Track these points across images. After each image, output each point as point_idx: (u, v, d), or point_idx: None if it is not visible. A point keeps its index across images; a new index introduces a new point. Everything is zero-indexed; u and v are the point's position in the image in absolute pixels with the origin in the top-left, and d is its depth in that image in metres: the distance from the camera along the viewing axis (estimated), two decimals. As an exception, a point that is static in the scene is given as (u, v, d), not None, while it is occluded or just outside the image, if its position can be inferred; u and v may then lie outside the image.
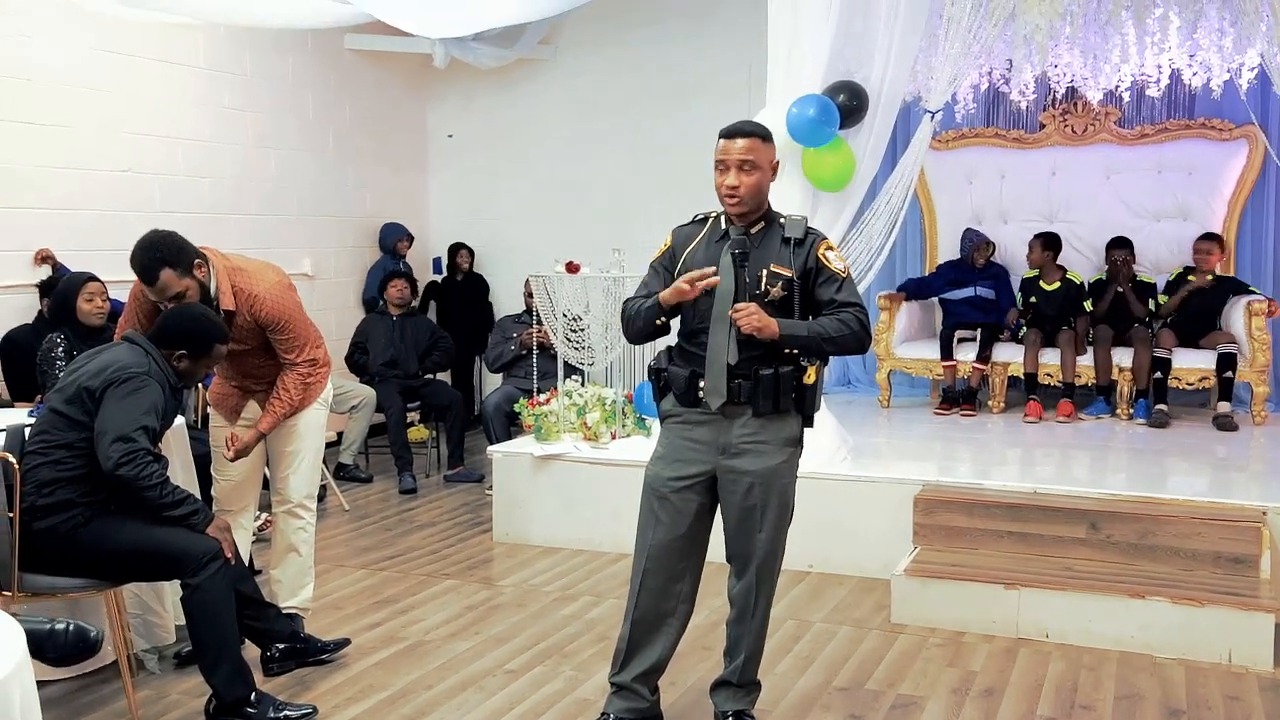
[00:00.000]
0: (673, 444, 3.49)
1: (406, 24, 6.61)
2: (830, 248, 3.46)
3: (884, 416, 7.30)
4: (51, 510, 3.54)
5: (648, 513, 3.51)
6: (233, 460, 4.22)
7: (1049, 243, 7.36)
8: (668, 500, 3.45)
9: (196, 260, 3.95)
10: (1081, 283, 7.34)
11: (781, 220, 3.46)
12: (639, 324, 3.46)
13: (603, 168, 8.89)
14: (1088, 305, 7.25)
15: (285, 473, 4.36)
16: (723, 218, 3.47)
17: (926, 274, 7.89)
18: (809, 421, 3.51)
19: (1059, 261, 7.39)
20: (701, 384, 3.39)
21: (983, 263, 7.50)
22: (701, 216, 3.55)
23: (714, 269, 3.32)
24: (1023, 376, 7.11)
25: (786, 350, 3.36)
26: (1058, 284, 7.32)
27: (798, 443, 3.49)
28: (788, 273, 3.37)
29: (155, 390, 3.63)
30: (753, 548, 3.46)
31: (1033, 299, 7.40)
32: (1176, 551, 4.69)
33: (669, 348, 3.56)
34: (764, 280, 3.37)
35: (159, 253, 3.88)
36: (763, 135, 3.38)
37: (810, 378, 3.41)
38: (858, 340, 3.37)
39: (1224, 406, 6.66)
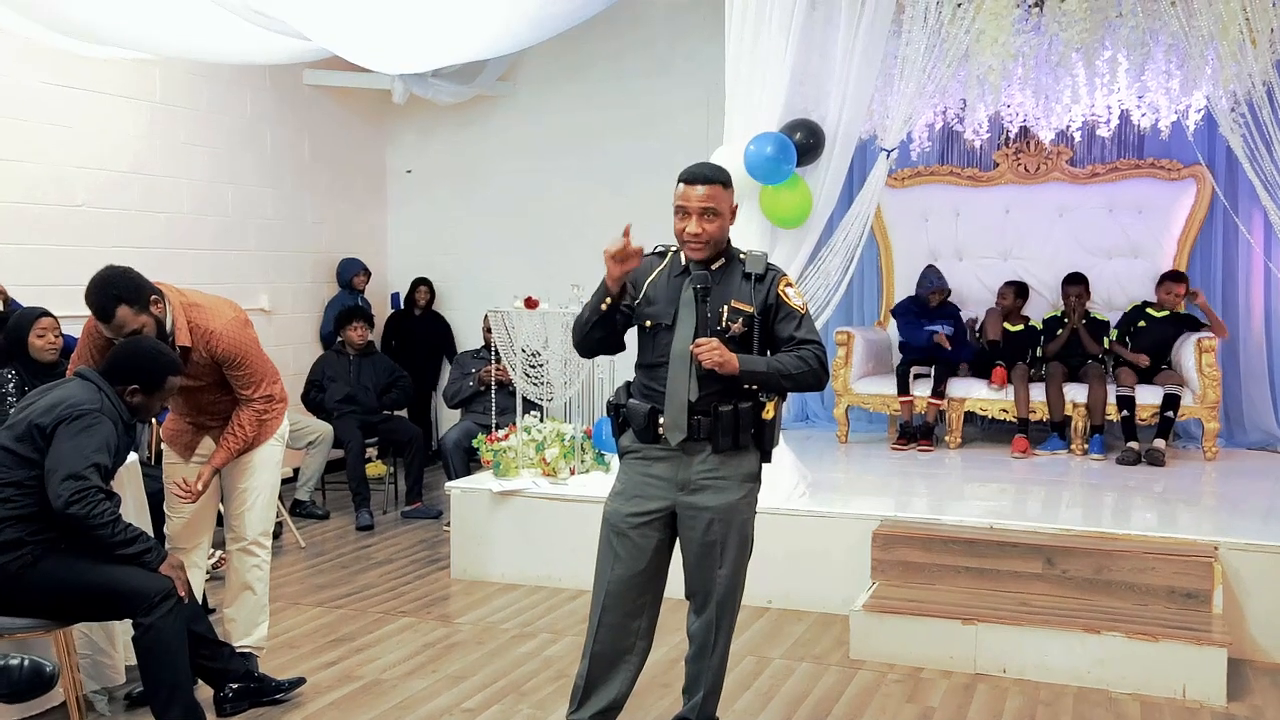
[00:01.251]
0: (632, 480, 3.49)
1: (365, 60, 6.62)
2: (790, 284, 3.48)
3: (842, 452, 7.33)
4: (0, 549, 3.48)
5: (606, 549, 3.50)
6: (192, 503, 4.17)
7: (1013, 290, 7.49)
8: (626, 536, 3.45)
9: (153, 296, 3.92)
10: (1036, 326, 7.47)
11: (742, 256, 3.48)
12: (584, 314, 3.44)
13: (562, 204, 8.92)
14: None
15: (240, 509, 4.31)
16: (682, 254, 3.47)
17: (899, 315, 7.74)
18: (767, 457, 3.52)
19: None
20: (661, 420, 3.39)
21: (936, 304, 7.56)
22: (662, 249, 3.55)
23: (627, 238, 3.29)
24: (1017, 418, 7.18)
25: (745, 386, 3.37)
26: (1021, 326, 7.44)
27: (756, 478, 3.51)
28: (749, 308, 3.39)
29: (107, 427, 3.59)
30: (713, 584, 3.46)
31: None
32: (1131, 586, 4.73)
33: (627, 383, 3.56)
34: (725, 316, 3.37)
35: (115, 289, 3.85)
36: (723, 181, 3.39)
37: (769, 413, 3.43)
38: (816, 377, 3.39)
39: (1159, 443, 6.74)
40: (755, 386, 3.39)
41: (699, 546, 3.44)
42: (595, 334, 3.46)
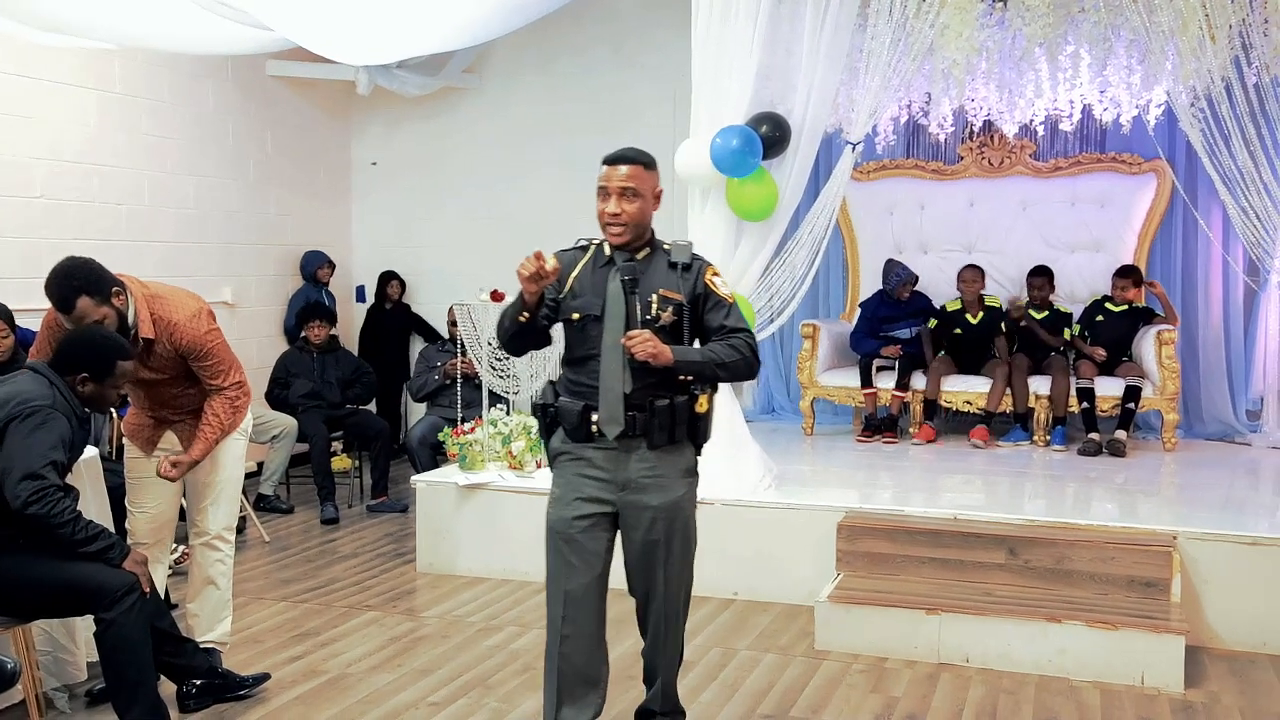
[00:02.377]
0: (569, 482, 3.38)
1: (329, 51, 6.57)
2: (717, 273, 3.42)
3: (808, 444, 7.36)
4: None
5: (558, 558, 3.39)
6: (174, 480, 4.10)
7: (980, 273, 7.48)
8: (576, 541, 3.35)
9: (115, 288, 3.88)
10: (1000, 307, 7.48)
11: (666, 246, 3.42)
12: (505, 324, 3.38)
13: (528, 196, 8.89)
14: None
15: (204, 504, 4.28)
16: (605, 244, 3.40)
17: (859, 317, 7.79)
18: (699, 451, 3.48)
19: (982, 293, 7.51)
20: (595, 416, 3.30)
21: (907, 296, 7.59)
22: (585, 242, 3.47)
23: (547, 259, 3.23)
24: (922, 403, 7.22)
25: (679, 378, 3.32)
26: (981, 314, 7.45)
27: (695, 473, 3.47)
28: (678, 297, 3.33)
29: (61, 423, 3.53)
30: (657, 582, 3.42)
31: (957, 330, 7.47)
32: (1092, 576, 4.79)
33: (552, 381, 3.47)
34: (655, 305, 3.31)
35: (76, 280, 3.80)
36: (646, 163, 3.34)
37: (702, 406, 3.37)
38: (749, 366, 3.35)
39: (1120, 434, 6.83)
40: (689, 378, 3.33)
41: (642, 545, 3.38)
42: (518, 340, 3.42)
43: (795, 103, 5.70)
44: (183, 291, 4.19)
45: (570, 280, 3.38)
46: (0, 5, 5.52)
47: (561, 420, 3.37)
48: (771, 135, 5.59)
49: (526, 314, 3.30)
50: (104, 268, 3.91)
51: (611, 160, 3.34)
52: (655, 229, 3.44)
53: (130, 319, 3.94)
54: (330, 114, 9.30)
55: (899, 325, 7.53)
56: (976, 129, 7.75)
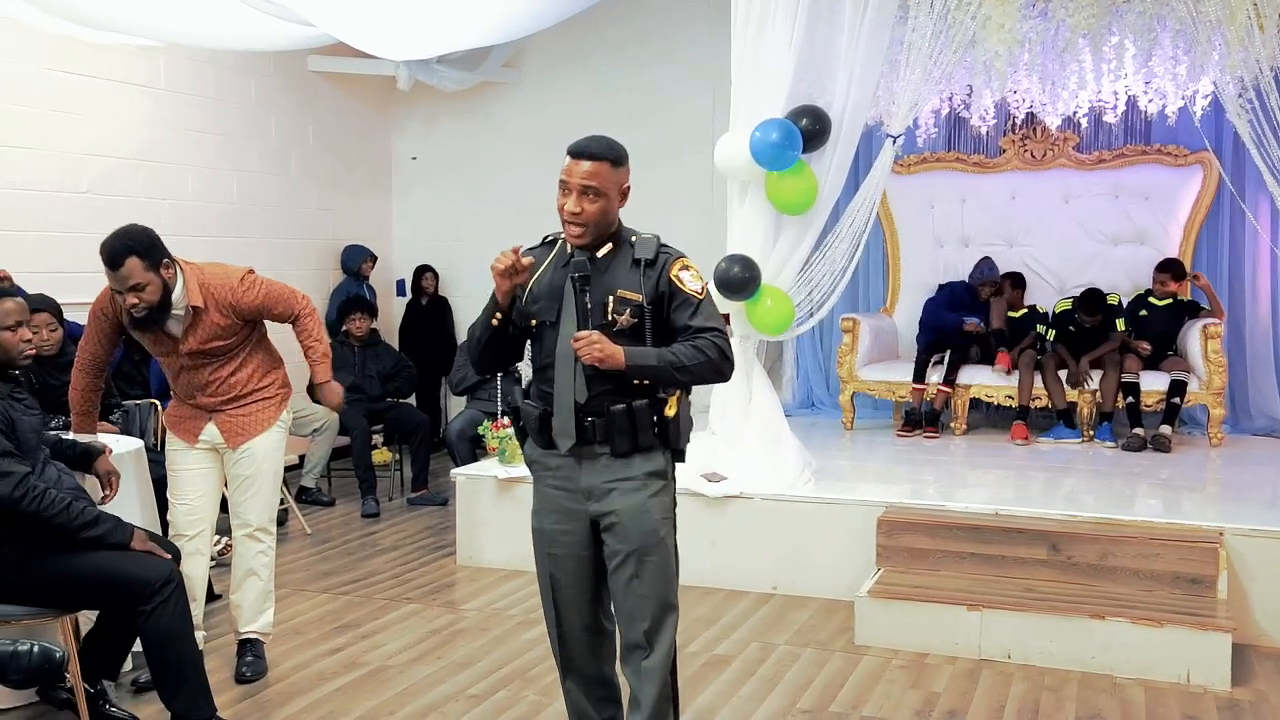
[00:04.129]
0: (544, 494, 3.18)
1: (370, 46, 6.61)
2: (686, 266, 3.09)
3: (847, 438, 7.34)
4: None
5: (545, 578, 3.20)
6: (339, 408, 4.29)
7: (1017, 281, 7.37)
8: (556, 557, 3.16)
9: (165, 260, 3.96)
10: (1118, 302, 7.24)
11: (633, 240, 3.11)
12: (475, 333, 3.17)
13: (567, 191, 8.89)
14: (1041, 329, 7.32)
15: (244, 497, 4.31)
16: (569, 243, 3.12)
17: (926, 310, 7.65)
18: (680, 457, 3.18)
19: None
20: (554, 424, 3.08)
21: (986, 296, 7.51)
22: (551, 238, 3.22)
23: (520, 252, 3.03)
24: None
25: (636, 381, 3.03)
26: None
27: (664, 476, 3.13)
28: (636, 297, 3.03)
29: None
30: (632, 601, 3.08)
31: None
32: (1136, 572, 4.73)
33: (527, 385, 3.29)
34: (610, 307, 3.03)
35: (130, 241, 3.90)
36: (613, 159, 3.03)
37: (671, 410, 3.08)
38: (715, 368, 3.04)
39: (1165, 429, 6.75)
40: (648, 382, 3.04)
41: (616, 556, 3.08)
42: (491, 350, 3.17)
43: (835, 96, 5.66)
44: (223, 266, 4.26)
45: (530, 283, 3.12)
46: (48, 4, 5.60)
47: (526, 427, 3.19)
48: (811, 128, 5.56)
49: (499, 315, 3.08)
50: (161, 241, 4.00)
51: (574, 153, 3.03)
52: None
53: (175, 294, 4.01)
54: (371, 109, 9.36)
55: (970, 315, 7.45)
56: (1018, 121, 7.68)
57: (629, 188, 3.13)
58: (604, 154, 3.03)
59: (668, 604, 3.11)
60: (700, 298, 3.06)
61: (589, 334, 2.94)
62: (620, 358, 2.94)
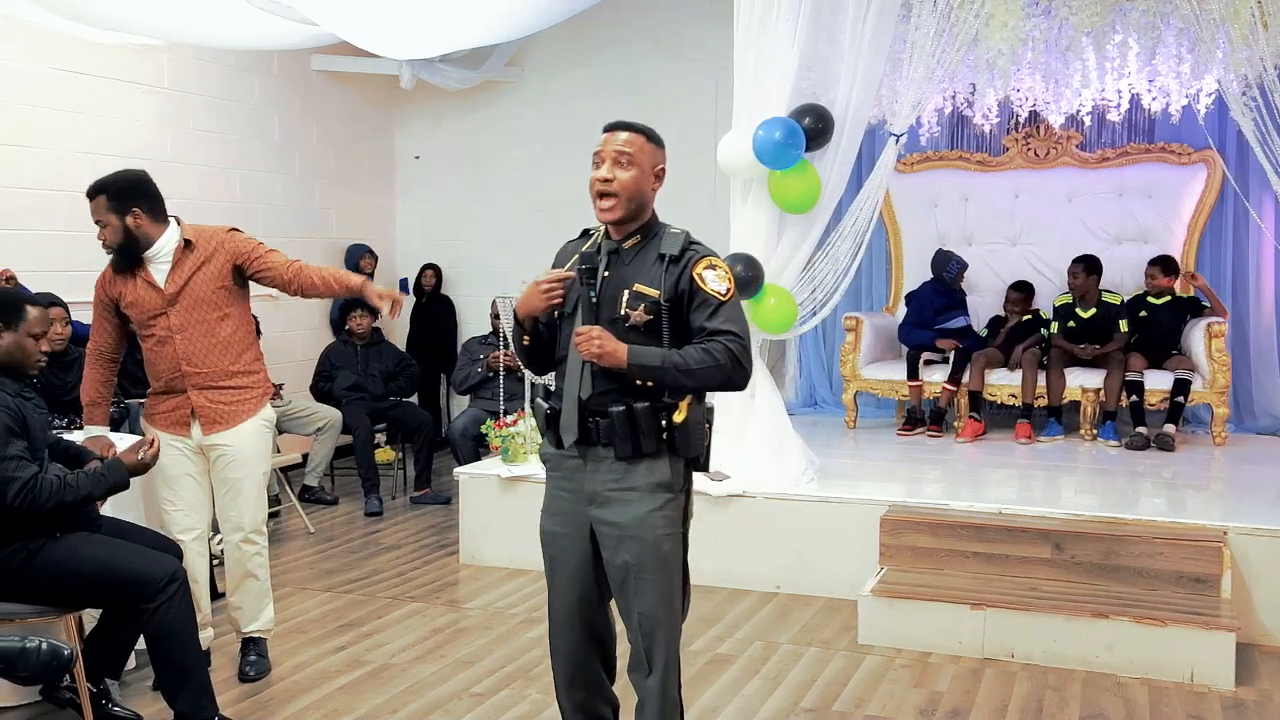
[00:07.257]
0: (552, 494, 3.08)
1: (373, 45, 6.61)
2: (712, 265, 2.92)
3: (850, 437, 7.33)
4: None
5: (547, 570, 3.12)
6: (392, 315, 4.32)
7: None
8: (556, 560, 3.06)
9: (135, 209, 3.99)
10: (1121, 301, 7.19)
11: (663, 235, 2.99)
12: (515, 346, 3.14)
13: (569, 189, 8.83)
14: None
15: (235, 501, 4.21)
16: (605, 230, 3.03)
17: (908, 309, 7.64)
18: (698, 465, 3.03)
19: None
20: (561, 421, 2.98)
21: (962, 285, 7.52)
22: (590, 230, 3.14)
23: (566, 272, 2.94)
24: (967, 396, 7.17)
25: (638, 382, 2.88)
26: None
27: (673, 488, 2.95)
28: (654, 293, 2.89)
29: None
30: (630, 618, 2.97)
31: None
32: (1139, 572, 4.72)
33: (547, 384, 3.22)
34: (624, 302, 2.91)
35: (108, 180, 4.01)
36: (649, 135, 2.98)
37: (681, 414, 2.90)
38: (725, 374, 2.85)
39: (1169, 428, 6.75)
40: (649, 383, 2.88)
41: (614, 569, 2.96)
42: (537, 356, 3.12)
43: (838, 94, 5.66)
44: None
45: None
46: (51, 3, 5.60)
47: (538, 423, 3.12)
48: (814, 127, 5.56)
49: (528, 337, 3.05)
50: (148, 190, 4.06)
51: (611, 127, 2.98)
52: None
53: (160, 242, 4.05)
54: (374, 108, 9.36)
55: (951, 316, 7.44)
56: (1022, 120, 7.67)
57: (664, 170, 3.03)
58: (641, 128, 2.99)
59: (667, 623, 2.96)
60: (722, 299, 2.89)
61: (590, 329, 2.83)
62: (621, 355, 2.81)
